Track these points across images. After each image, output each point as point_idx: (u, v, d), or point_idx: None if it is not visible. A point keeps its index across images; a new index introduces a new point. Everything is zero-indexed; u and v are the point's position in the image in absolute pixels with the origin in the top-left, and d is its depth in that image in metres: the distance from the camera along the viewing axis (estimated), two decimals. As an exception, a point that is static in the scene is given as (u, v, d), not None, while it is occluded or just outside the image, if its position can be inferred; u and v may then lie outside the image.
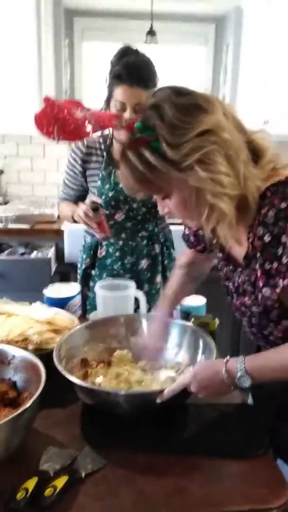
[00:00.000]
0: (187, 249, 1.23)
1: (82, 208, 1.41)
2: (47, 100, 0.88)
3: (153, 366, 1.15)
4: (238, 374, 0.83)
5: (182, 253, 1.26)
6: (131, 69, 1.35)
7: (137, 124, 0.80)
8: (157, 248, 1.64)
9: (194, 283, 1.25)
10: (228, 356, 0.87)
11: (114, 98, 1.39)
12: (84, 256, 1.69)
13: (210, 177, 0.77)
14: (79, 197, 1.62)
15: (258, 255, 0.82)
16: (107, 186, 1.53)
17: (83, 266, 1.68)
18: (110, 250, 1.61)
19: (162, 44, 2.76)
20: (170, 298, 1.21)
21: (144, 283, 1.62)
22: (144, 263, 1.62)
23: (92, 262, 1.65)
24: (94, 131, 0.88)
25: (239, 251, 0.91)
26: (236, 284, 0.94)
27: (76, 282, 1.68)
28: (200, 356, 1.10)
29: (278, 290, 0.80)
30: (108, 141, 1.56)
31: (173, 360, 1.16)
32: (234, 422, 0.97)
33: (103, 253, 1.63)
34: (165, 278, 1.64)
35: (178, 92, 0.80)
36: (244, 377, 0.83)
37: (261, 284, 0.83)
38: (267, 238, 0.79)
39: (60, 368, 0.96)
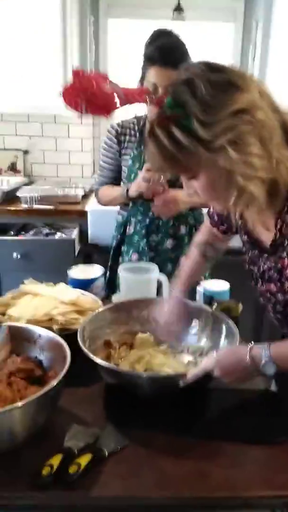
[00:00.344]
0: (205, 226, 1.21)
1: (145, 175, 1.44)
2: (76, 73, 0.86)
3: (174, 349, 1.15)
4: (263, 361, 0.83)
5: (199, 231, 1.24)
6: (164, 50, 1.39)
7: (168, 99, 0.77)
8: (182, 229, 1.64)
9: (210, 262, 1.23)
10: (252, 342, 0.87)
11: (146, 79, 1.42)
12: (116, 233, 1.74)
13: (242, 159, 0.74)
14: (117, 178, 1.66)
15: (286, 243, 0.80)
16: (137, 165, 1.56)
17: (114, 243, 1.73)
18: (138, 227, 1.65)
19: (189, 20, 2.68)
20: (185, 278, 1.19)
21: (168, 263, 1.64)
22: (169, 242, 1.63)
23: (122, 238, 1.70)
24: (122, 104, 0.85)
25: (266, 236, 0.89)
26: (261, 270, 0.93)
27: (99, 263, 1.70)
28: (222, 341, 1.10)
29: None
30: (141, 122, 1.60)
31: (195, 344, 1.16)
32: (257, 408, 0.97)
33: (131, 230, 1.67)
34: None
35: (212, 68, 0.76)
36: (268, 364, 0.83)
37: (287, 273, 0.81)
38: None
39: (84, 349, 0.98)
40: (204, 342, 1.16)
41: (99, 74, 0.90)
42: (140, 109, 1.58)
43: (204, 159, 0.76)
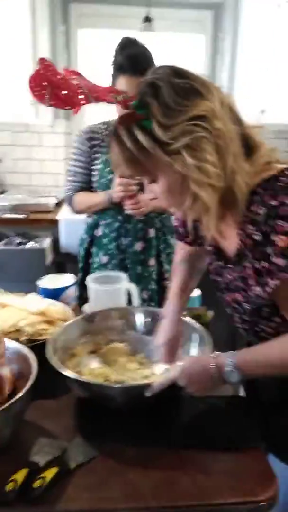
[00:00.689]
0: (178, 245, 1.20)
1: (121, 182, 1.50)
2: (42, 60, 0.83)
3: (149, 359, 1.14)
4: (226, 369, 0.83)
5: (176, 252, 1.22)
6: (132, 59, 1.43)
7: (134, 102, 0.77)
8: (151, 232, 1.67)
9: (198, 275, 1.20)
10: (215, 352, 0.87)
11: (116, 88, 1.41)
12: (85, 236, 1.75)
13: (196, 165, 0.74)
14: (89, 183, 1.66)
15: (249, 253, 0.80)
16: (108, 169, 1.58)
17: (85, 246, 1.74)
18: (106, 230, 1.67)
19: (159, 31, 2.72)
20: (178, 295, 1.14)
21: (137, 265, 1.66)
22: (138, 245, 1.66)
23: (92, 240, 1.72)
24: (87, 101, 0.82)
25: (229, 246, 0.89)
26: (227, 280, 0.92)
27: (72, 272, 1.69)
28: (195, 349, 1.10)
29: (268, 289, 0.78)
30: (111, 127, 1.59)
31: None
32: (226, 415, 0.97)
33: (100, 233, 1.68)
34: (159, 263, 1.70)
35: (177, 73, 0.77)
36: (232, 372, 0.83)
37: (252, 282, 0.81)
38: (257, 237, 0.77)
39: (51, 360, 0.96)
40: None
41: (70, 69, 0.87)
42: (111, 114, 1.59)
43: (162, 162, 0.76)
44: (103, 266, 1.68)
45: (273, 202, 0.75)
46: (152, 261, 1.69)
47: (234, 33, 2.88)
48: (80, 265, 1.77)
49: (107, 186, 1.58)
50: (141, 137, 0.76)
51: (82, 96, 0.82)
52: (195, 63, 3.12)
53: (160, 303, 1.46)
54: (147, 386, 0.90)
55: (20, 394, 0.83)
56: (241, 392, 1.00)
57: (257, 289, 0.81)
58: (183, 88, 0.75)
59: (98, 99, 0.84)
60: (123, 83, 1.44)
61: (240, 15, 2.83)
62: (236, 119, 0.80)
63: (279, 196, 0.75)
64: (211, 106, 0.75)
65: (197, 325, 1.12)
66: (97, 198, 1.62)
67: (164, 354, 1.07)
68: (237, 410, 0.98)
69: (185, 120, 0.73)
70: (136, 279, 1.60)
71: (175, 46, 3.07)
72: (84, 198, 1.68)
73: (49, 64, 0.83)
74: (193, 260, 1.16)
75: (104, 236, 1.68)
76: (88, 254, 1.74)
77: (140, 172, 0.83)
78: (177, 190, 0.79)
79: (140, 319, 1.22)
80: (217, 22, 3.06)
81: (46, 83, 0.80)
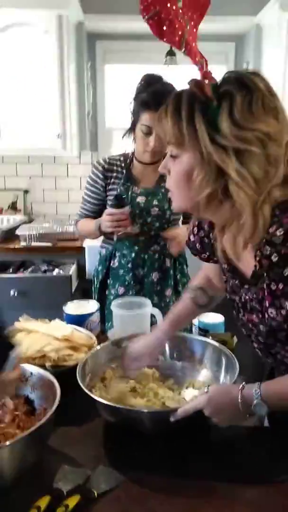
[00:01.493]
0: (201, 270, 1.19)
1: (106, 212, 1.53)
2: None
3: (179, 385, 1.14)
4: (254, 402, 0.81)
5: (196, 276, 1.22)
6: (157, 96, 1.43)
7: (214, 84, 0.78)
8: (168, 262, 1.67)
9: (201, 309, 1.18)
10: (243, 383, 0.86)
11: (140, 123, 1.50)
12: (100, 268, 1.75)
13: (238, 169, 0.75)
14: (99, 213, 1.67)
15: (265, 274, 0.80)
16: (124, 200, 1.58)
17: (100, 277, 1.73)
18: (123, 261, 1.67)
19: (182, 63, 2.80)
20: (172, 320, 1.15)
21: (154, 296, 1.65)
22: (154, 275, 1.65)
23: (107, 272, 1.71)
24: (178, 44, 0.82)
25: (247, 266, 0.88)
26: (243, 300, 0.92)
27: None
28: (223, 375, 1.09)
29: (283, 312, 0.78)
30: (128, 160, 1.64)
31: (198, 378, 1.15)
32: (253, 446, 0.94)
33: (116, 264, 1.68)
34: (176, 292, 1.68)
35: (269, 90, 0.79)
36: (260, 405, 0.81)
37: (267, 304, 0.81)
38: (274, 258, 0.77)
39: (82, 385, 0.97)
40: (204, 375, 1.15)
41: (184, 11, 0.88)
42: (128, 147, 1.66)
43: (201, 145, 0.77)
44: (120, 297, 1.63)
45: None
46: (168, 291, 1.67)
47: (256, 63, 2.94)
48: (96, 295, 1.75)
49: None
50: (197, 115, 0.76)
51: (178, 39, 0.85)
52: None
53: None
54: (172, 411, 0.89)
55: (44, 420, 0.83)
56: (266, 423, 0.97)
57: (272, 312, 0.80)
58: (270, 104, 0.77)
59: (188, 50, 0.87)
60: (147, 119, 1.48)
61: (262, 46, 2.90)
62: None
63: None
64: (281, 134, 0.76)
65: (227, 351, 1.11)
66: (91, 225, 1.63)
67: (127, 359, 1.11)
68: (262, 441, 0.95)
69: (256, 130, 0.74)
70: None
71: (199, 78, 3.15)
72: (83, 224, 1.71)
73: None
74: (207, 290, 1.14)
75: (120, 267, 1.67)
76: (103, 285, 1.73)
77: (175, 142, 0.82)
78: (197, 178, 0.79)
79: (169, 344, 1.21)
80: (239, 53, 3.14)
81: (158, 6, 0.82)
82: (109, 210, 1.54)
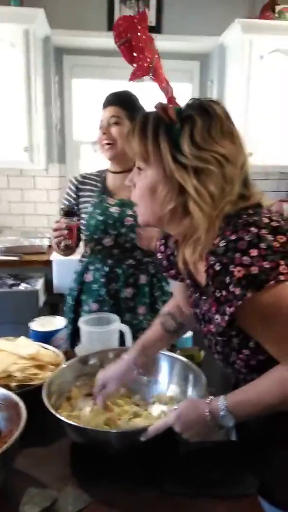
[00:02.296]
0: (172, 299, 1.21)
1: (55, 226, 1.52)
2: (142, 13, 0.92)
3: (146, 401, 1.14)
4: (221, 414, 0.83)
5: (167, 303, 1.23)
6: (116, 94, 1.59)
7: (178, 108, 0.85)
8: (142, 278, 1.62)
9: (173, 335, 1.18)
10: (211, 396, 0.87)
11: (101, 121, 1.59)
12: (74, 285, 1.71)
13: (196, 186, 0.81)
14: None
15: (210, 283, 0.82)
16: (98, 211, 1.59)
17: (75, 294, 1.69)
18: (96, 275, 1.63)
19: (149, 81, 2.85)
20: (141, 345, 1.14)
21: (126, 312, 1.60)
22: (128, 291, 1.61)
23: (81, 287, 1.68)
24: (146, 72, 0.88)
25: (201, 278, 0.91)
26: (202, 312, 0.95)
27: (64, 314, 1.69)
28: (190, 390, 1.10)
29: (226, 317, 0.80)
30: (104, 175, 1.69)
31: (165, 393, 1.16)
32: (220, 461, 0.95)
33: (90, 278, 1.65)
34: (153, 311, 1.62)
35: (228, 116, 0.86)
36: (227, 416, 0.83)
37: (214, 311, 0.83)
38: (217, 267, 0.80)
39: (49, 406, 0.96)
40: (173, 390, 1.15)
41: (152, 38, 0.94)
42: (103, 165, 1.69)
43: (164, 163, 0.84)
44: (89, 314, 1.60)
45: (232, 236, 0.79)
46: (142, 309, 1.63)
47: (220, 82, 3.04)
48: (70, 315, 1.69)
49: (97, 227, 1.57)
50: (162, 134, 0.84)
51: (146, 65, 0.90)
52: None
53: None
54: (142, 431, 0.90)
55: (9, 443, 0.81)
56: (233, 436, 0.99)
57: (218, 318, 0.82)
58: (227, 129, 0.85)
59: (156, 77, 0.92)
60: (106, 113, 1.57)
61: (226, 65, 3.00)
62: (244, 183, 0.88)
63: (239, 231, 0.79)
64: (236, 155, 0.84)
65: (193, 366, 1.12)
66: None
67: (96, 387, 1.10)
68: (230, 455, 0.96)
69: (214, 151, 0.82)
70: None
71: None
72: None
73: (146, 19, 0.91)
74: (176, 318, 1.15)
75: (94, 281, 1.64)
76: (77, 303, 1.69)
77: (141, 157, 0.88)
78: (159, 193, 0.86)
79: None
80: (204, 71, 3.23)
81: (129, 34, 0.87)
82: (56, 222, 1.53)
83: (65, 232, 1.48)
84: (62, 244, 1.50)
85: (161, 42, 3.10)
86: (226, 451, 0.98)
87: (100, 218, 1.57)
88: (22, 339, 1.33)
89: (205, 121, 0.82)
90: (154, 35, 0.93)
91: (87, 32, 2.87)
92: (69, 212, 1.53)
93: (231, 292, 0.78)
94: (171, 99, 0.86)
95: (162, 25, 2.97)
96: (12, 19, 2.54)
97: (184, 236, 0.88)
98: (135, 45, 0.87)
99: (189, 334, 1.42)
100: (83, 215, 1.63)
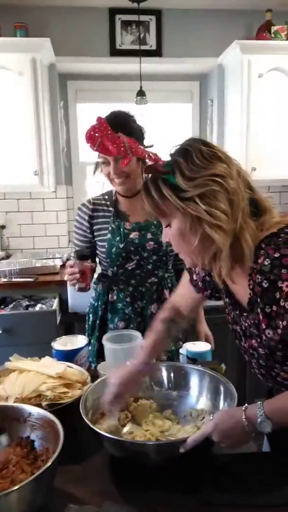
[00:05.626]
0: (168, 302, 1.30)
1: (67, 263, 1.54)
2: (99, 118, 1.13)
3: (177, 415, 1.17)
4: (259, 420, 0.86)
5: (164, 308, 1.29)
6: (111, 116, 1.49)
7: (165, 162, 0.96)
8: (166, 293, 1.65)
9: (172, 338, 1.30)
10: (246, 404, 0.91)
11: (98, 156, 1.50)
12: (99, 303, 1.70)
13: (207, 210, 0.88)
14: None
15: (259, 300, 0.89)
16: (118, 238, 1.59)
17: (100, 313, 1.69)
18: (121, 295, 1.64)
19: (151, 102, 2.95)
20: (148, 349, 1.20)
21: None
22: (153, 307, 1.64)
23: (105, 306, 1.68)
24: (125, 153, 1.05)
25: (242, 295, 0.98)
26: (243, 328, 1.01)
27: (81, 332, 1.72)
28: (222, 403, 1.12)
29: (279, 331, 0.86)
30: (113, 197, 1.66)
31: (196, 407, 1.18)
32: (259, 470, 0.96)
33: (114, 298, 1.66)
34: None
35: (205, 143, 0.94)
36: (264, 422, 0.86)
37: (264, 327, 0.89)
38: (265, 284, 0.87)
39: (86, 420, 0.99)
40: (204, 403, 1.18)
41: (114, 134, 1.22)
42: (106, 188, 1.67)
43: (176, 207, 0.91)
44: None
45: (276, 254, 0.87)
46: None
47: (220, 100, 3.12)
48: (96, 333, 1.69)
49: (119, 255, 1.58)
50: (162, 186, 0.93)
51: (125, 147, 1.14)
52: (186, 128, 3.35)
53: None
54: (181, 442, 0.92)
55: (50, 462, 0.84)
56: (265, 448, 1.01)
57: (269, 332, 0.88)
58: (208, 153, 0.92)
59: (134, 153, 1.14)
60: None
61: (225, 84, 3.09)
62: (249, 187, 0.95)
63: (281, 249, 0.87)
64: (229, 170, 0.91)
65: (223, 378, 1.15)
66: None
67: (109, 393, 1.12)
68: (267, 465, 0.98)
69: (205, 175, 0.89)
70: None
71: (167, 115, 3.31)
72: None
73: (104, 122, 1.15)
74: (176, 321, 1.24)
75: (118, 301, 1.65)
76: (102, 321, 1.69)
77: (161, 216, 0.98)
78: (188, 233, 0.93)
79: (165, 374, 1.26)
80: (203, 91, 3.32)
81: (98, 135, 1.08)
82: (69, 262, 1.54)
83: (78, 276, 1.51)
84: (76, 286, 1.55)
85: (162, 65, 3.24)
86: (263, 462, 1.00)
87: (121, 245, 1.58)
88: (47, 359, 1.36)
89: (186, 157, 0.91)
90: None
91: (89, 58, 2.98)
92: (83, 255, 1.53)
93: (282, 307, 0.84)
94: (156, 158, 1.00)
95: (162, 49, 3.07)
96: (20, 49, 2.63)
97: (214, 257, 0.94)
98: (107, 141, 1.09)
99: (208, 347, 1.45)
100: (99, 242, 1.64)
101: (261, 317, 0.90)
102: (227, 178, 0.89)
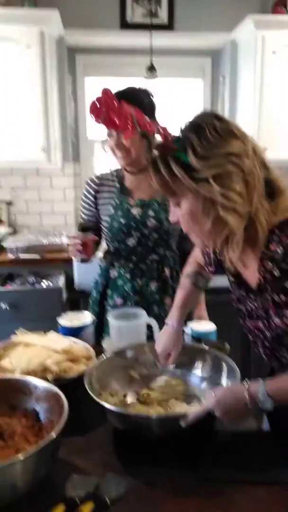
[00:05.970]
0: (192, 257, 1.31)
1: (69, 242, 1.57)
2: (105, 90, 1.00)
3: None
4: (261, 398, 0.87)
5: (188, 263, 1.33)
6: (118, 93, 1.49)
7: (175, 137, 0.90)
8: (167, 271, 1.67)
9: (200, 291, 1.33)
10: (247, 381, 0.91)
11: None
12: (100, 279, 1.75)
13: (222, 192, 0.84)
14: (93, 228, 1.68)
15: (269, 287, 0.88)
16: (120, 213, 1.61)
17: (100, 288, 1.73)
18: (122, 272, 1.67)
19: (161, 77, 2.88)
20: (180, 307, 1.27)
21: (153, 305, 1.65)
22: (153, 285, 1.66)
23: (107, 282, 1.72)
24: (133, 129, 0.95)
25: (251, 278, 0.97)
26: (249, 308, 1.00)
27: (86, 309, 1.73)
28: (225, 382, 1.13)
29: (285, 320, 0.86)
30: (121, 174, 1.68)
31: (200, 386, 1.20)
32: (256, 448, 0.98)
33: (115, 274, 1.69)
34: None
35: (218, 118, 0.89)
36: (266, 400, 0.87)
37: (272, 314, 0.89)
38: (276, 273, 0.86)
39: (91, 393, 1.01)
40: (207, 383, 1.19)
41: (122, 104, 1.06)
42: (115, 165, 1.68)
43: (188, 187, 0.87)
44: (116, 308, 1.65)
45: None
46: (168, 300, 1.66)
47: (232, 77, 3.05)
48: (96, 309, 1.75)
49: (120, 230, 1.60)
50: (173, 164, 0.87)
51: (132, 123, 1.00)
52: (197, 105, 3.29)
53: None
54: (182, 416, 0.93)
55: (55, 433, 0.85)
56: (265, 426, 1.02)
57: (277, 320, 0.89)
58: (222, 128, 0.87)
59: (142, 127, 1.00)
60: None
61: (237, 60, 3.01)
62: (264, 166, 0.91)
63: None
64: (244, 148, 0.86)
65: (226, 357, 1.16)
66: None
67: (160, 359, 1.24)
68: (268, 444, 0.99)
69: (220, 154, 0.84)
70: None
71: (177, 91, 3.24)
72: None
73: (110, 93, 1.00)
74: (203, 274, 1.27)
75: (119, 277, 1.68)
76: (102, 297, 1.73)
77: (169, 194, 0.92)
78: (199, 214, 0.89)
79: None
80: (215, 67, 3.24)
81: (104, 108, 0.97)
82: (72, 234, 1.59)
83: (80, 247, 1.54)
84: (78, 257, 1.58)
85: (173, 39, 3.15)
86: (263, 440, 1.01)
87: (123, 221, 1.60)
88: (53, 334, 1.38)
89: (199, 133, 0.86)
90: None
91: (99, 31, 2.90)
92: (85, 227, 1.58)
93: None
94: (166, 133, 0.92)
95: (174, 23, 2.99)
96: (28, 20, 2.57)
97: (226, 239, 0.91)
98: (113, 114, 0.97)
99: (213, 327, 1.45)
100: (103, 217, 1.66)
101: (270, 304, 0.89)
102: (242, 157, 0.85)
